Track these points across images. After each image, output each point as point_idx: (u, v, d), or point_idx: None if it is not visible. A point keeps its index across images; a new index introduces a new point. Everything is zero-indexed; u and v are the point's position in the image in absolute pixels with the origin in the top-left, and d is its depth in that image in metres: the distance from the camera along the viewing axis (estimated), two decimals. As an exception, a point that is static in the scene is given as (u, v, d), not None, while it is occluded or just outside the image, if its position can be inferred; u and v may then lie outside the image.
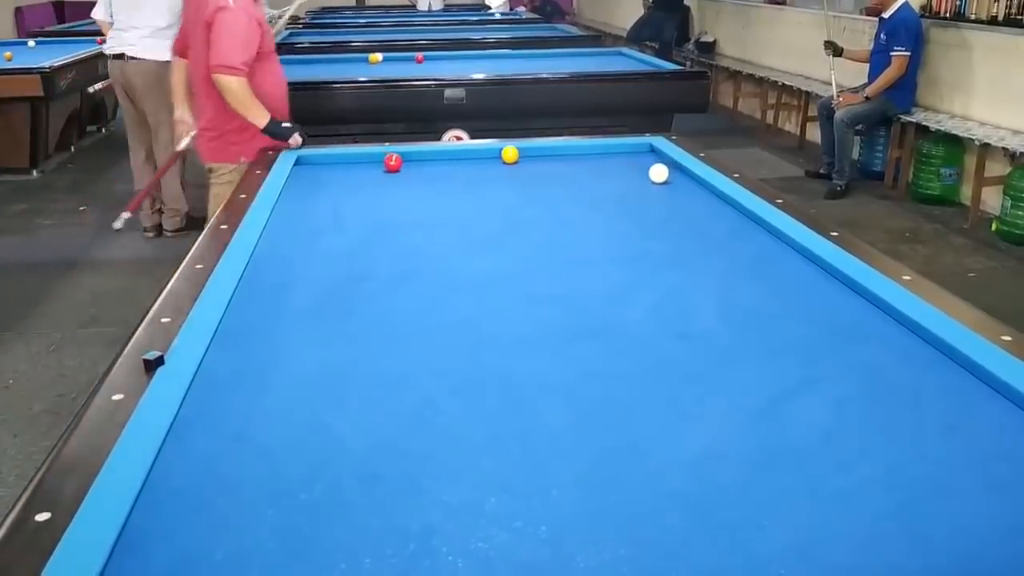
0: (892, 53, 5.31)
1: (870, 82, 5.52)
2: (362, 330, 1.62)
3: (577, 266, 1.96)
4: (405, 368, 1.46)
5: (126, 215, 3.56)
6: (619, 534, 1.02)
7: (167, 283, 1.76)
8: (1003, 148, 4.74)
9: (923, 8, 5.55)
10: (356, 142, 3.63)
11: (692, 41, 8.95)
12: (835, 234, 2.00)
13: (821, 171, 5.85)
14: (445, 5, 10.71)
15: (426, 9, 10.41)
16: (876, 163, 5.91)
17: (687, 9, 9.10)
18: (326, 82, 4.51)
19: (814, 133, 6.42)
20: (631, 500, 1.09)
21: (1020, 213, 4.62)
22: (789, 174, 6.10)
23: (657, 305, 1.73)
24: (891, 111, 5.50)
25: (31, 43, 6.97)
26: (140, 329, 1.54)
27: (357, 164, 2.85)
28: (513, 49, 6.09)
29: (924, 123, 5.31)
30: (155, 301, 1.67)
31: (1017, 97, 4.92)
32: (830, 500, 1.09)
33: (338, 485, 1.12)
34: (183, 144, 3.51)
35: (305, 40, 6.67)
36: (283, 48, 6.16)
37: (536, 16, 9.61)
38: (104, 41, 6.83)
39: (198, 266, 1.85)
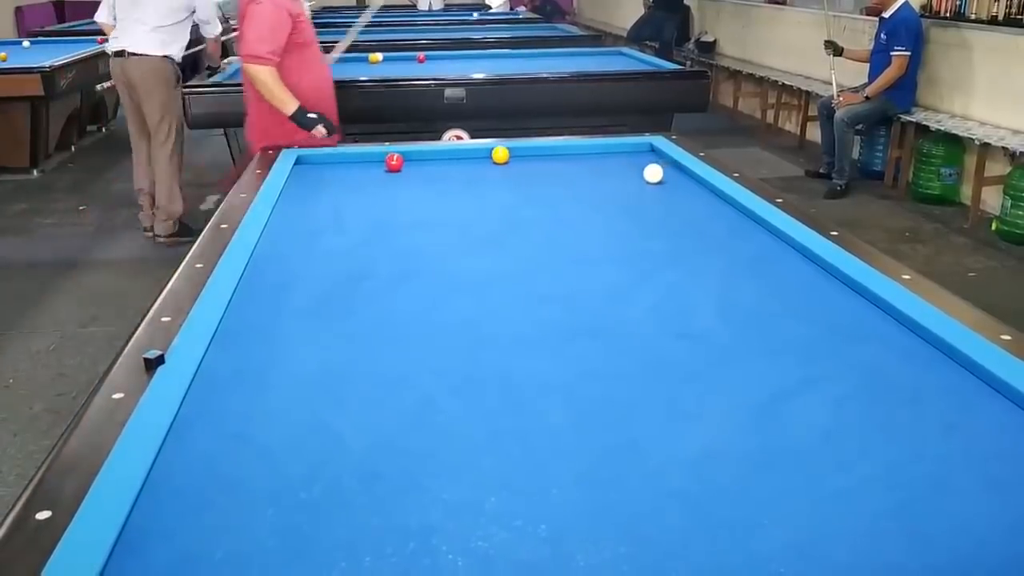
0: (892, 53, 5.31)
1: (870, 82, 5.52)
2: (362, 329, 1.62)
3: (577, 266, 1.96)
4: (405, 367, 1.46)
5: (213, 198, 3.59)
6: (619, 533, 1.02)
7: (167, 282, 1.76)
8: (1003, 148, 4.74)
9: (923, 8, 5.55)
10: (356, 142, 3.63)
11: (692, 41, 8.95)
12: (835, 234, 2.00)
13: (821, 171, 5.85)
14: (445, 5, 10.71)
15: (426, 9, 10.41)
16: (876, 163, 5.91)
17: (687, 9, 9.10)
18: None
19: (814, 133, 6.42)
20: (631, 499, 1.10)
21: (1020, 213, 4.62)
22: (789, 174, 6.10)
23: (657, 304, 1.73)
24: (891, 111, 5.50)
25: (26, 43, 6.97)
26: (140, 328, 1.54)
27: (357, 164, 2.85)
28: (513, 49, 6.10)
29: (924, 123, 5.31)
30: (155, 300, 1.67)
31: (1017, 97, 4.92)
32: (830, 499, 1.09)
33: (338, 484, 1.12)
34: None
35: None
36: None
37: (536, 16, 9.61)
38: (105, 41, 6.87)
39: (198, 265, 1.85)
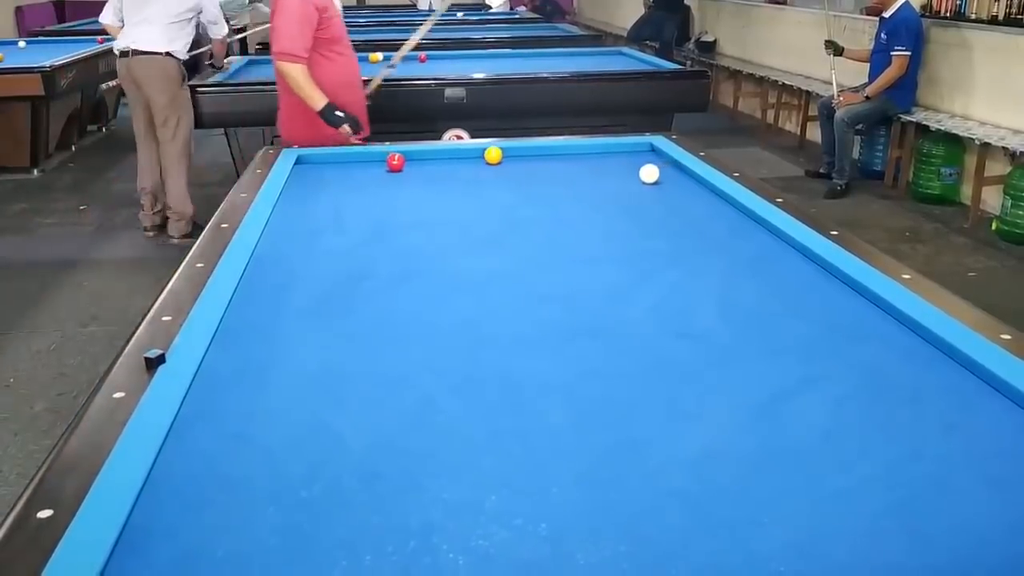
0: (892, 53, 5.30)
1: (870, 82, 5.52)
2: (362, 329, 1.62)
3: (578, 265, 1.96)
4: (405, 367, 1.46)
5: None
6: (619, 532, 1.03)
7: (168, 282, 1.76)
8: (1003, 148, 4.74)
9: (923, 8, 5.55)
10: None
11: (692, 41, 8.95)
12: (835, 233, 2.00)
13: (821, 170, 5.85)
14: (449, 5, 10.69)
15: (426, 9, 10.40)
16: (876, 162, 5.91)
17: (687, 9, 9.10)
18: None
19: (814, 133, 6.42)
20: (631, 498, 1.10)
21: (1020, 212, 4.62)
22: (789, 173, 6.10)
23: (657, 304, 1.73)
24: (891, 111, 5.50)
25: (21, 43, 6.95)
26: (141, 328, 1.54)
27: (357, 163, 2.85)
28: (513, 49, 6.10)
29: (924, 123, 5.31)
30: (156, 300, 1.67)
31: (1017, 97, 4.92)
32: (830, 498, 1.09)
33: (338, 483, 1.13)
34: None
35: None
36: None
37: (536, 15, 9.61)
38: (105, 40, 6.87)
39: (199, 265, 1.85)
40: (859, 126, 5.63)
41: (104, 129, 7.50)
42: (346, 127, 3.16)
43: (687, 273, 1.89)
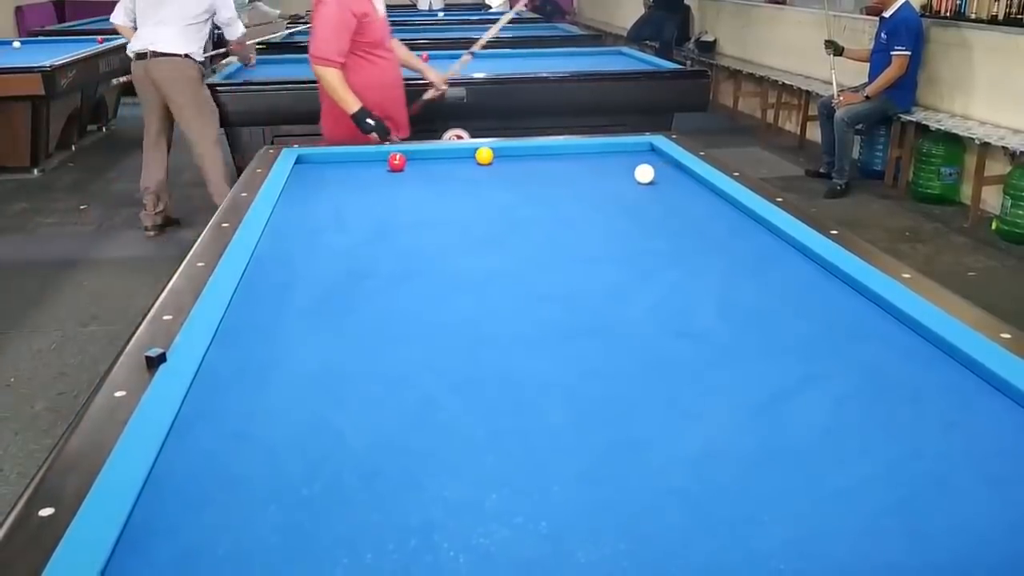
0: (892, 52, 5.30)
1: (870, 81, 5.52)
2: (363, 328, 1.62)
3: (578, 265, 1.96)
4: (405, 366, 1.46)
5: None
6: (619, 530, 1.03)
7: (169, 281, 1.76)
8: (1003, 147, 4.74)
9: (923, 7, 5.55)
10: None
11: (692, 40, 8.95)
12: (835, 233, 2.00)
13: (821, 170, 5.85)
14: (446, 4, 10.70)
15: (426, 9, 10.41)
16: (876, 162, 5.91)
17: (687, 8, 9.10)
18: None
19: (814, 132, 6.42)
20: (631, 497, 1.10)
21: (1020, 212, 4.62)
22: (789, 173, 6.10)
23: (657, 304, 1.73)
24: (891, 110, 5.50)
25: (16, 43, 6.94)
26: (142, 327, 1.54)
27: (357, 163, 2.86)
28: (513, 48, 6.10)
29: (924, 122, 5.31)
30: (157, 299, 1.67)
31: (1017, 96, 4.92)
32: (830, 497, 1.09)
33: (339, 482, 1.13)
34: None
35: (306, 39, 6.67)
36: (284, 47, 6.18)
37: (536, 15, 9.60)
38: (104, 40, 6.87)
39: (200, 264, 1.85)
40: (859, 126, 5.63)
41: (104, 129, 7.50)
42: (375, 136, 3.21)
43: (687, 273, 1.90)
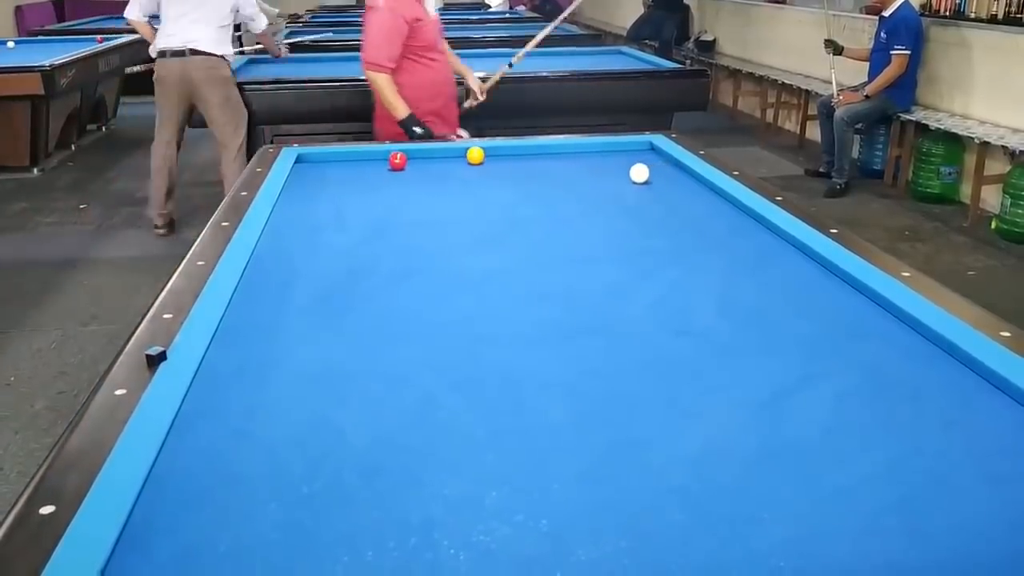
0: (892, 52, 5.31)
1: (870, 81, 5.52)
2: (363, 326, 1.62)
3: (577, 263, 1.96)
4: (406, 364, 1.46)
5: None
6: (620, 528, 1.03)
7: (169, 280, 1.76)
8: (1003, 146, 4.74)
9: (923, 7, 5.55)
10: (357, 140, 3.64)
11: (692, 40, 8.95)
12: (834, 231, 2.00)
13: (821, 170, 5.85)
14: (445, 4, 10.70)
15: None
16: (876, 161, 5.91)
17: (687, 8, 9.11)
18: (327, 80, 4.52)
19: (814, 132, 6.42)
20: (631, 495, 1.10)
21: (1020, 211, 4.63)
22: (789, 173, 6.10)
23: (657, 302, 1.73)
24: (891, 109, 5.50)
25: (10, 43, 6.93)
26: (142, 325, 1.54)
27: (357, 162, 2.86)
28: (513, 48, 6.09)
29: (924, 122, 5.32)
30: (157, 298, 1.67)
31: (1017, 96, 4.93)
32: (830, 495, 1.09)
33: (339, 479, 1.13)
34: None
35: (306, 39, 6.68)
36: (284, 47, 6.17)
37: (536, 15, 9.61)
38: (104, 40, 6.87)
39: (200, 263, 1.85)
40: (859, 125, 5.64)
41: (104, 128, 7.50)
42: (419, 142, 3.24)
43: (687, 271, 1.90)
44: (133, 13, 4.62)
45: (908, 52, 5.28)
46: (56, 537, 0.97)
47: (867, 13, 6.22)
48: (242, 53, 5.65)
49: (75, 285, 4.17)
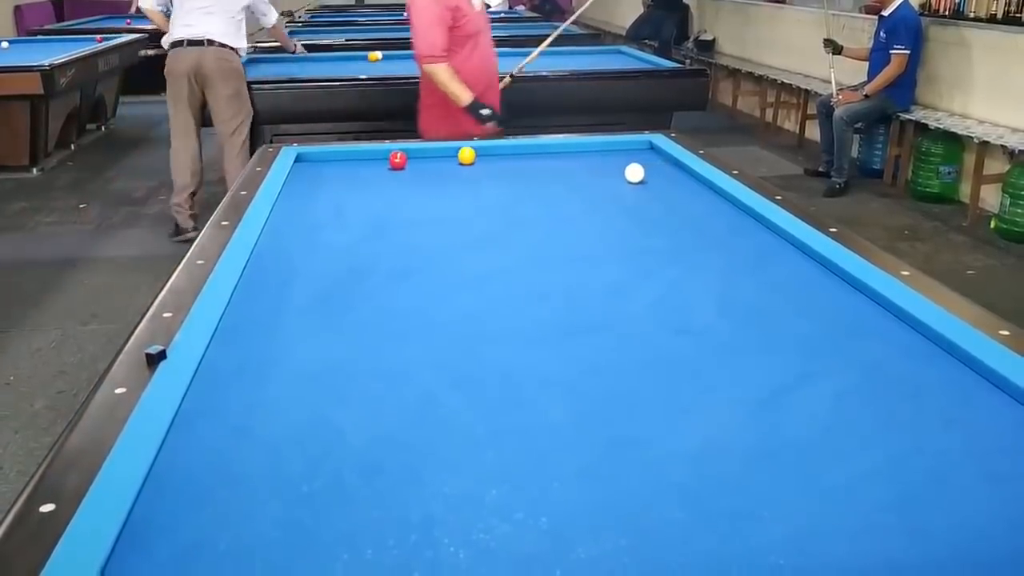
0: (892, 51, 5.31)
1: (869, 80, 5.53)
2: (363, 325, 1.62)
3: (577, 262, 1.96)
4: (406, 363, 1.46)
5: None
6: (619, 525, 1.03)
7: (169, 279, 1.76)
8: (1002, 146, 4.75)
9: (922, 6, 5.56)
10: (357, 139, 3.64)
11: (691, 39, 8.95)
12: (834, 230, 2.00)
13: (820, 169, 5.85)
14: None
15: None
16: (875, 161, 5.92)
17: (686, 7, 9.11)
18: (327, 80, 4.52)
19: (813, 131, 6.42)
20: (631, 492, 1.10)
21: (1019, 211, 4.63)
22: (788, 172, 6.11)
23: (657, 301, 1.73)
24: (890, 109, 5.50)
25: (4, 44, 6.92)
26: (142, 324, 1.54)
27: (357, 161, 2.86)
28: (513, 48, 6.09)
29: (923, 121, 5.32)
30: (156, 297, 1.67)
31: (1016, 95, 4.93)
32: (829, 493, 1.09)
33: (339, 478, 1.13)
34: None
35: (306, 38, 6.68)
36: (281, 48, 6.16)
37: (535, 14, 9.61)
38: (103, 39, 6.87)
39: (199, 262, 1.85)
40: (858, 124, 5.64)
41: (103, 128, 7.50)
42: (490, 125, 3.27)
43: (687, 270, 1.90)
44: (147, 2, 4.62)
45: (907, 52, 5.28)
46: (56, 535, 0.97)
47: (866, 13, 6.23)
48: (256, 49, 5.64)
49: (75, 284, 4.18)
